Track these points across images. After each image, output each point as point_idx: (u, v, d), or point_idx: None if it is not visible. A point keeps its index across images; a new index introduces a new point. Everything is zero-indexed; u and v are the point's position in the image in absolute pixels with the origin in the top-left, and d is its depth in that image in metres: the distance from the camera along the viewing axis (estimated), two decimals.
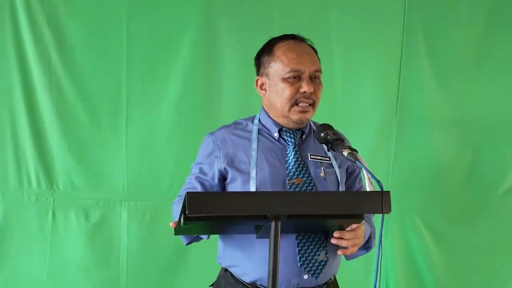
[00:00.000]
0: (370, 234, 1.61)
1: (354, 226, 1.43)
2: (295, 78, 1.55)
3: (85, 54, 2.55)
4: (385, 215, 1.23)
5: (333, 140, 1.42)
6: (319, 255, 1.50)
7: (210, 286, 1.70)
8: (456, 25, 2.91)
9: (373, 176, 1.30)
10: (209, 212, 1.18)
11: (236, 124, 1.68)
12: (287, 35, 1.64)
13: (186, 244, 1.62)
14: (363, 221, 1.43)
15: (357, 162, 1.33)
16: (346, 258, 1.61)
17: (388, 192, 1.24)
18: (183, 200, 1.20)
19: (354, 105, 2.79)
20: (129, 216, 2.59)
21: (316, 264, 1.50)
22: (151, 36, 2.60)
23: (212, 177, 1.60)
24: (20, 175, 2.52)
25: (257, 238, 1.39)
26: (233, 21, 2.63)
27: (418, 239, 2.92)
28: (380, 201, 1.23)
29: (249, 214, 1.21)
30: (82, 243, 2.55)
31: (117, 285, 2.59)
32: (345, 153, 1.36)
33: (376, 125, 2.84)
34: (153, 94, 2.60)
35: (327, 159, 1.62)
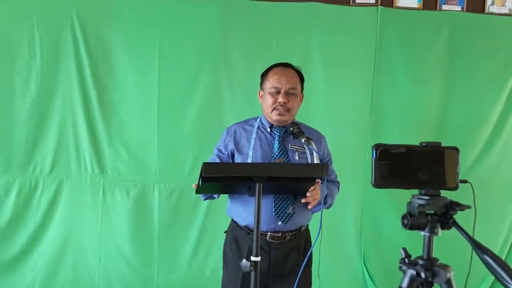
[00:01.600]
0: (327, 195, 2.34)
1: (312, 188, 2.17)
2: (276, 93, 2.31)
3: (126, 67, 3.26)
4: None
5: (296, 132, 2.18)
6: (288, 209, 2.25)
7: (224, 232, 2.47)
8: (423, 43, 3.53)
9: (318, 153, 2.06)
10: (215, 174, 1.93)
11: (246, 121, 2.42)
12: (279, 63, 2.37)
13: (204, 200, 2.37)
14: (318, 183, 2.15)
15: (309, 146, 2.09)
16: (312, 211, 2.33)
17: (326, 164, 2.00)
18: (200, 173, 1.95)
19: (335, 109, 3.43)
20: (159, 195, 3.34)
21: (285, 215, 2.25)
22: (178, 54, 3.28)
23: (227, 155, 2.34)
24: (79, 163, 3.29)
25: (249, 196, 2.13)
26: (242, 48, 3.31)
27: (379, 217, 3.55)
28: (321, 169, 1.98)
29: (241, 175, 1.95)
30: (125, 215, 3.31)
31: (151, 247, 3.34)
32: (303, 140, 2.12)
33: (354, 125, 3.47)
34: (179, 102, 3.30)
35: (302, 148, 2.34)
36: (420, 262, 1.34)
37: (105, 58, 3.26)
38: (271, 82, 2.30)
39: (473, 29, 3.57)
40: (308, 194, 2.15)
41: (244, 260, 1.99)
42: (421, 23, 3.53)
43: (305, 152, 2.32)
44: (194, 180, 2.54)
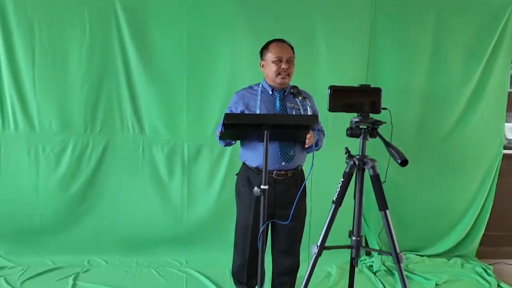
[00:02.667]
0: (318, 140, 2.99)
1: (308, 135, 2.82)
2: (279, 61, 2.95)
3: (159, 43, 3.88)
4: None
5: (295, 92, 2.85)
6: (290, 152, 2.93)
7: (236, 174, 3.15)
8: (413, 19, 4.08)
9: (311, 108, 2.72)
10: (236, 121, 2.60)
11: (250, 87, 3.09)
12: (276, 39, 3.03)
13: (223, 146, 3.04)
14: (313, 131, 2.80)
15: (304, 102, 2.75)
16: (306, 152, 2.98)
17: (316, 115, 2.66)
18: (222, 122, 2.62)
19: (333, 74, 3.97)
20: (188, 150, 4.02)
21: (288, 157, 2.93)
22: (203, 29, 3.89)
23: None
24: (122, 124, 3.97)
25: (258, 142, 2.81)
26: (253, 26, 3.91)
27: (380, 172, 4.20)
28: (313, 119, 2.64)
29: (253, 123, 2.61)
30: (161, 165, 4.02)
31: (181, 193, 4.04)
32: (300, 98, 2.78)
33: None
34: (204, 74, 3.95)
35: (297, 106, 3.00)
36: (357, 156, 2.04)
37: (141, 35, 3.90)
38: (274, 53, 2.95)
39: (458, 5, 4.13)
40: (308, 135, 2.80)
41: (255, 188, 2.67)
42: (414, 12, 4.10)
43: (299, 109, 2.96)
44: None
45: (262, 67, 3.04)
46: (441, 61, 4.20)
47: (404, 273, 3.81)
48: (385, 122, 2.07)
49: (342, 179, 2.12)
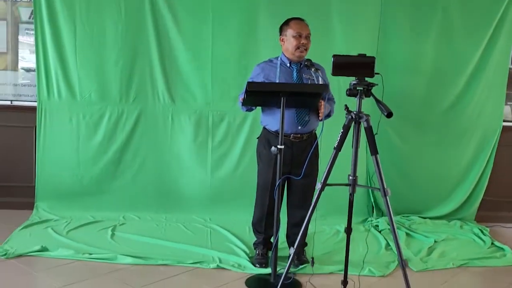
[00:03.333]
0: (330, 110, 3.42)
1: (321, 103, 3.24)
2: (299, 36, 3.35)
3: (188, 23, 4.33)
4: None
5: (309, 65, 3.27)
6: (305, 117, 3.35)
7: (257, 138, 3.59)
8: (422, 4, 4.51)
9: (323, 78, 3.14)
10: (257, 88, 3.03)
11: (270, 60, 3.50)
12: (296, 17, 3.43)
13: (245, 111, 3.47)
14: (323, 100, 3.21)
15: (316, 73, 3.17)
16: (320, 120, 3.38)
17: (327, 84, 3.08)
18: (245, 90, 3.05)
19: (346, 47, 4.32)
20: (213, 119, 4.46)
21: (303, 121, 3.35)
22: (227, 11, 4.33)
23: None
24: (154, 96, 4.42)
25: (277, 108, 3.22)
26: (269, 7, 4.34)
27: (388, 141, 4.60)
28: (325, 88, 3.06)
29: (271, 90, 3.04)
30: (188, 132, 4.46)
31: (206, 156, 4.50)
32: (313, 69, 3.20)
33: None
34: (227, 50, 4.39)
35: (312, 77, 3.41)
36: (354, 112, 2.55)
37: (171, 18, 4.34)
38: (295, 29, 3.35)
39: None
40: (320, 106, 3.22)
41: (273, 147, 3.11)
42: None
43: (314, 80, 3.38)
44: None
45: (282, 41, 3.45)
46: (447, 39, 4.59)
47: (405, 230, 4.32)
48: (377, 84, 2.52)
49: (341, 130, 2.59)
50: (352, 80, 2.54)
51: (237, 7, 4.37)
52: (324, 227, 4.28)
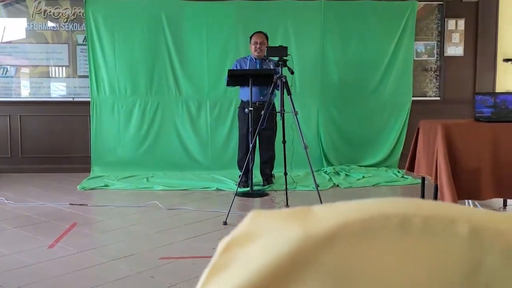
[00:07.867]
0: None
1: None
2: (255, 43, 5.48)
3: (191, 39, 6.47)
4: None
5: (264, 58, 5.37)
6: (264, 91, 5.43)
7: (238, 107, 5.67)
8: (351, 22, 6.67)
9: (273, 67, 5.26)
10: (234, 73, 5.13)
11: (244, 57, 5.64)
12: (256, 31, 5.56)
13: (227, 86, 5.58)
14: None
15: (269, 64, 5.27)
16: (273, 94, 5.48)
17: (274, 69, 5.18)
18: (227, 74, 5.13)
19: (297, 54, 6.45)
20: (210, 106, 6.52)
21: (263, 94, 5.43)
22: (216, 30, 6.52)
23: None
24: (168, 89, 6.50)
25: (247, 86, 5.29)
26: (249, 28, 6.48)
27: (331, 114, 6.74)
28: (272, 71, 5.15)
29: (242, 74, 5.14)
30: (193, 113, 6.51)
31: (206, 126, 6.56)
32: (267, 60, 5.31)
33: (310, 63, 6.66)
34: (220, 59, 6.51)
35: (269, 67, 5.48)
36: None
37: (179, 35, 6.46)
38: (254, 39, 5.51)
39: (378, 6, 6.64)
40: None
41: (246, 109, 5.21)
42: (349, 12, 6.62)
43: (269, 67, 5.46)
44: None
45: (250, 47, 5.58)
46: (369, 41, 6.67)
47: (345, 173, 6.37)
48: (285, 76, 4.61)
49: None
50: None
51: (224, 27, 6.48)
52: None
